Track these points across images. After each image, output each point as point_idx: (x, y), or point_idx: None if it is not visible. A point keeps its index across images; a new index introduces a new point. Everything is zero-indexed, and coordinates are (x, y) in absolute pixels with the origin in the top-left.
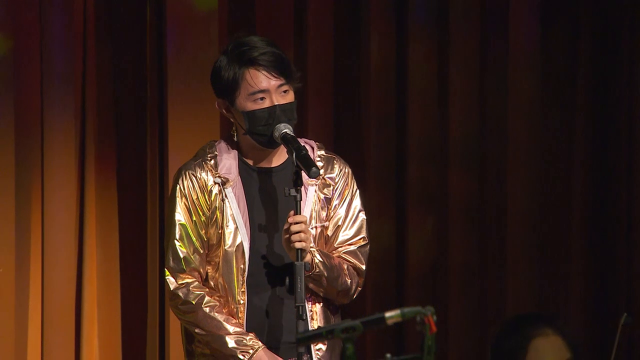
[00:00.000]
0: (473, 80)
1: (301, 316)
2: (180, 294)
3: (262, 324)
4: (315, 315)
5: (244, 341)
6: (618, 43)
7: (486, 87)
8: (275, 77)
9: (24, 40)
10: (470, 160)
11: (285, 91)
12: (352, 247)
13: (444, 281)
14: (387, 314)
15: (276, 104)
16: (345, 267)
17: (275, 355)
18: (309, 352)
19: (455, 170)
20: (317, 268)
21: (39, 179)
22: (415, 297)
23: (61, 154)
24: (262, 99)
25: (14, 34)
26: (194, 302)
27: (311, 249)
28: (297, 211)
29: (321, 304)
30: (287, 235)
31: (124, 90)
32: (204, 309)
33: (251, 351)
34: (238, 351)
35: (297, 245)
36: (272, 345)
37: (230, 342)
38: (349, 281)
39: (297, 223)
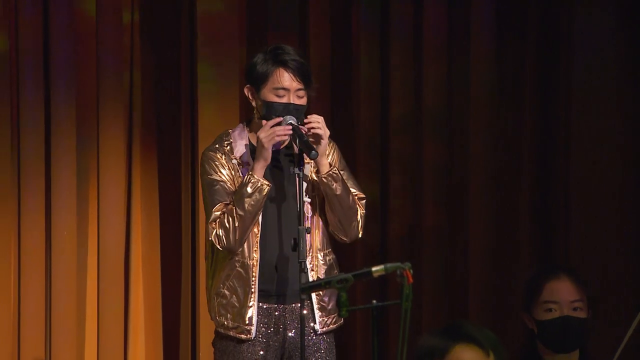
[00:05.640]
0: (442, 83)
1: (304, 270)
2: (217, 217)
3: (272, 276)
4: (315, 268)
5: (251, 179)
6: (557, 55)
7: (453, 78)
8: (297, 81)
9: (83, 50)
10: (440, 138)
11: (301, 95)
12: (352, 190)
13: (419, 241)
14: (373, 269)
15: (292, 102)
16: (352, 191)
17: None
18: (310, 298)
19: (428, 144)
20: (334, 170)
21: (95, 161)
22: (396, 254)
23: (113, 141)
24: (282, 95)
25: (74, 46)
26: (223, 211)
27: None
28: (299, 186)
29: (319, 258)
30: (309, 124)
31: (163, 90)
32: (228, 207)
33: (252, 179)
34: (249, 187)
35: (317, 132)
36: (280, 292)
37: (247, 190)
38: (355, 205)
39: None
